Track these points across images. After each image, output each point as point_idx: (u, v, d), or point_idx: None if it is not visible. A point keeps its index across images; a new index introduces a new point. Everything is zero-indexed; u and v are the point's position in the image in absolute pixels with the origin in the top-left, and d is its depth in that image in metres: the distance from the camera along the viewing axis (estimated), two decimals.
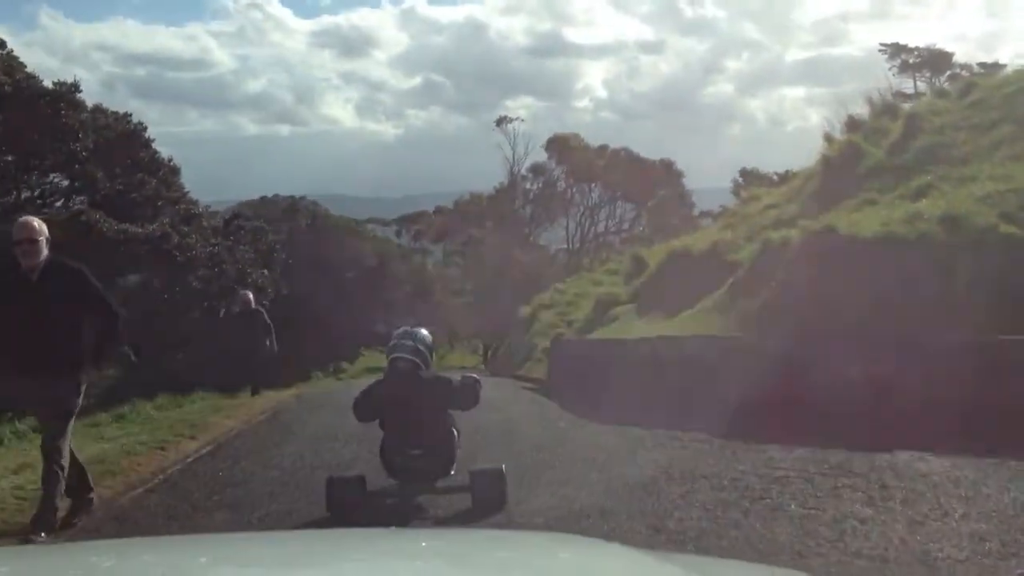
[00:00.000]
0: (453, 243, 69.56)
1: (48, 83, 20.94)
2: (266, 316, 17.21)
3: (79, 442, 9.66)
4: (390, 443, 7.03)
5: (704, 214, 61.12)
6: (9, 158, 20.20)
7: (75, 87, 20.98)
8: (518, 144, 58.59)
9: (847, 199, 14.07)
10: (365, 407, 7.23)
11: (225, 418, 11.88)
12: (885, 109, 18.08)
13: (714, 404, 9.82)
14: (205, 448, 9.73)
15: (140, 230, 18.50)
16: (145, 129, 24.54)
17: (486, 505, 6.58)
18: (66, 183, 21.01)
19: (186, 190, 25.61)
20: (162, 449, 9.34)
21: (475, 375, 7.86)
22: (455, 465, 7.04)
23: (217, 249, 20.04)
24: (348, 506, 6.53)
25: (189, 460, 9.06)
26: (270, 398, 15.87)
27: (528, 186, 62.78)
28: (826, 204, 14.33)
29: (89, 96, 21.37)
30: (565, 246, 70.07)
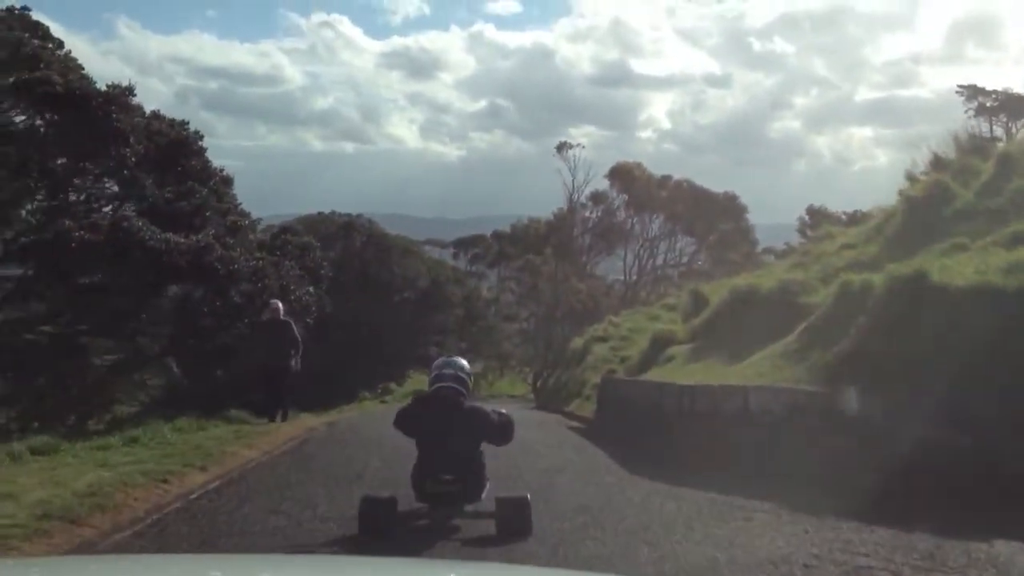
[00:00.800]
0: (509, 268, 68.77)
1: (102, 86, 20.53)
2: (296, 330, 15.91)
3: (80, 466, 8.86)
4: (424, 467, 7.24)
5: (767, 251, 59.49)
6: (60, 161, 19.75)
7: (129, 90, 20.51)
8: (578, 171, 57.66)
9: (933, 243, 12.80)
10: (409, 425, 7.52)
11: (245, 447, 10.98)
12: (974, 148, 16.74)
13: (782, 468, 8.65)
14: (213, 483, 8.81)
15: (183, 240, 17.78)
16: (201, 137, 24.05)
17: (510, 532, 6.77)
18: (116, 189, 20.49)
19: (238, 202, 25.07)
20: (165, 482, 8.44)
21: (505, 410, 8.05)
22: (484, 492, 7.27)
23: (261, 263, 19.25)
24: (379, 525, 6.76)
25: (192, 497, 8.14)
26: (300, 425, 14.97)
27: (587, 214, 61.74)
28: (910, 247, 13.06)
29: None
30: (622, 277, 68.87)
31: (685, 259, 61.56)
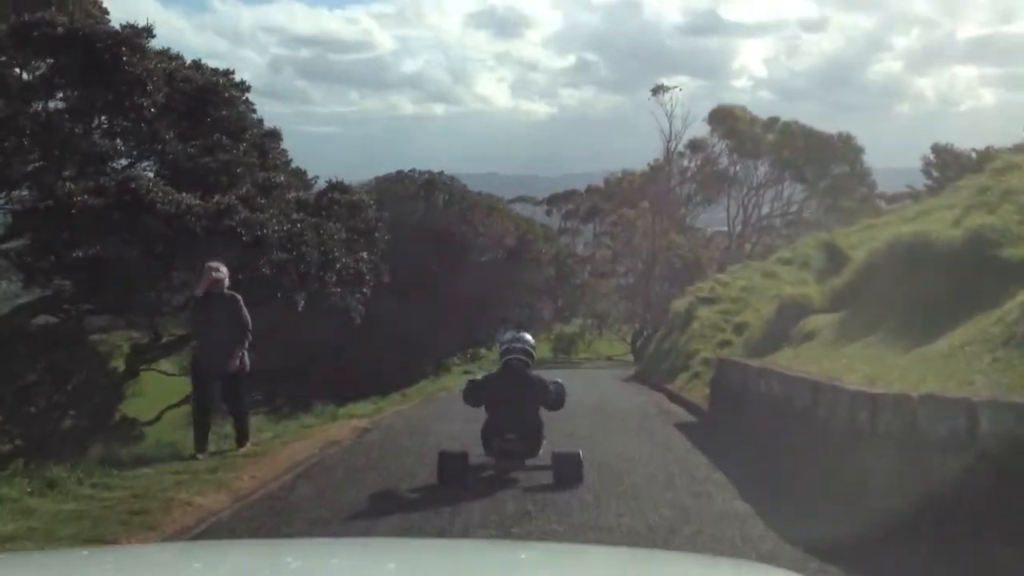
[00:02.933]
0: (603, 223, 64.72)
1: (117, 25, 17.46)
2: (244, 311, 10.03)
3: None
4: (492, 427, 8.43)
5: (886, 197, 53.78)
6: (64, 114, 16.76)
7: (146, 31, 17.30)
8: (675, 117, 52.77)
9: None
10: (475, 396, 8.81)
11: (214, 488, 7.58)
12: None
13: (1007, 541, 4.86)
14: None
15: (197, 202, 14.59)
16: (238, 85, 20.86)
17: (565, 482, 7.75)
18: (132, 144, 17.46)
19: (287, 158, 21.93)
20: None
21: (560, 380, 9.00)
22: (542, 449, 8.37)
23: (300, 227, 15.95)
24: (453, 475, 7.86)
25: None
26: (324, 433, 11.45)
27: (686, 163, 57.05)
28: None
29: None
30: (723, 229, 64.16)
31: (794, 207, 56.33)
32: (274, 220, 15.57)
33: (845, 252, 15.12)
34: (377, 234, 18.91)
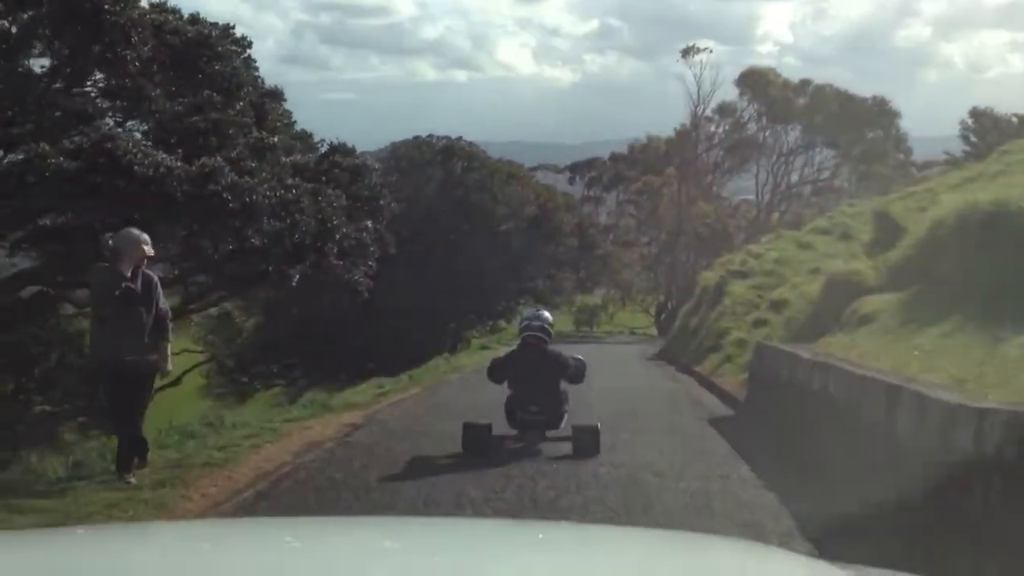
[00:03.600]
0: (627, 192, 62.89)
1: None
2: (160, 295, 7.73)
3: None
4: (516, 400, 8.86)
5: (919, 165, 51.58)
6: (42, 67, 15.34)
7: None
8: (704, 80, 50.57)
9: None
10: (499, 373, 9.27)
11: (153, 511, 6.14)
12: None
13: None
14: None
15: (179, 165, 13.14)
16: (236, 39, 19.40)
17: (583, 453, 8.13)
18: (117, 102, 16.02)
19: (291, 119, 20.50)
20: None
21: (580, 356, 9.51)
22: (563, 421, 8.76)
23: (295, 194, 14.47)
24: (478, 446, 8.24)
25: None
26: (306, 431, 9.91)
27: (713, 128, 54.98)
28: None
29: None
30: (750, 197, 62.19)
31: (825, 174, 54.19)
32: (265, 185, 14.09)
33: (899, 222, 13.45)
34: (382, 201, 17.39)
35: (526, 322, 9.51)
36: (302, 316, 37.92)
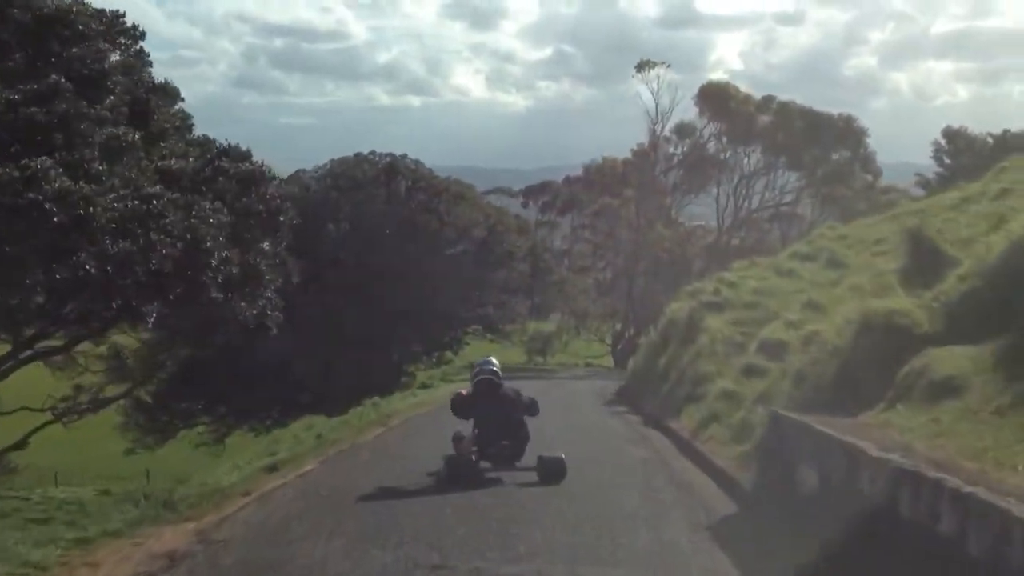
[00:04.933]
0: (582, 215, 59.81)
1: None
2: None
3: None
4: (486, 438, 9.73)
5: (888, 188, 48.95)
6: None
7: None
8: (661, 98, 47.56)
9: None
10: (462, 410, 10.21)
11: None
12: None
13: None
14: None
15: None
16: (124, 25, 16.15)
17: (548, 481, 8.97)
18: None
19: (187, 123, 17.03)
20: None
21: (533, 396, 10.54)
22: (528, 452, 9.70)
23: (156, 206, 10.92)
24: (459, 477, 9.00)
25: None
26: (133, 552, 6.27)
27: (671, 150, 52.11)
28: None
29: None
30: (704, 223, 59.54)
31: (788, 197, 51.46)
32: (113, 195, 10.59)
33: (940, 247, 10.28)
34: (282, 218, 13.76)
35: (477, 368, 10.55)
36: (229, 346, 34.04)
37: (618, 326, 53.29)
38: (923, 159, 50.14)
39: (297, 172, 41.15)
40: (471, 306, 42.29)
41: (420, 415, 18.17)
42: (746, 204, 52.58)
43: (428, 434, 14.06)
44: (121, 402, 39.13)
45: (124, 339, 23.29)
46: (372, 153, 40.94)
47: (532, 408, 10.20)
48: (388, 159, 40.75)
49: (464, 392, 10.49)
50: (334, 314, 39.24)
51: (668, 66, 46.88)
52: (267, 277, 13.08)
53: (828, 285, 17.12)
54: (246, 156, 13.59)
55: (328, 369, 37.73)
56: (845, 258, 19.92)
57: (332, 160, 41.10)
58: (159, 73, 16.71)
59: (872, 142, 49.40)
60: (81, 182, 10.21)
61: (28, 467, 48.88)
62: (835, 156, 47.84)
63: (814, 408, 8.56)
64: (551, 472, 9.07)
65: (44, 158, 10.14)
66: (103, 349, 22.83)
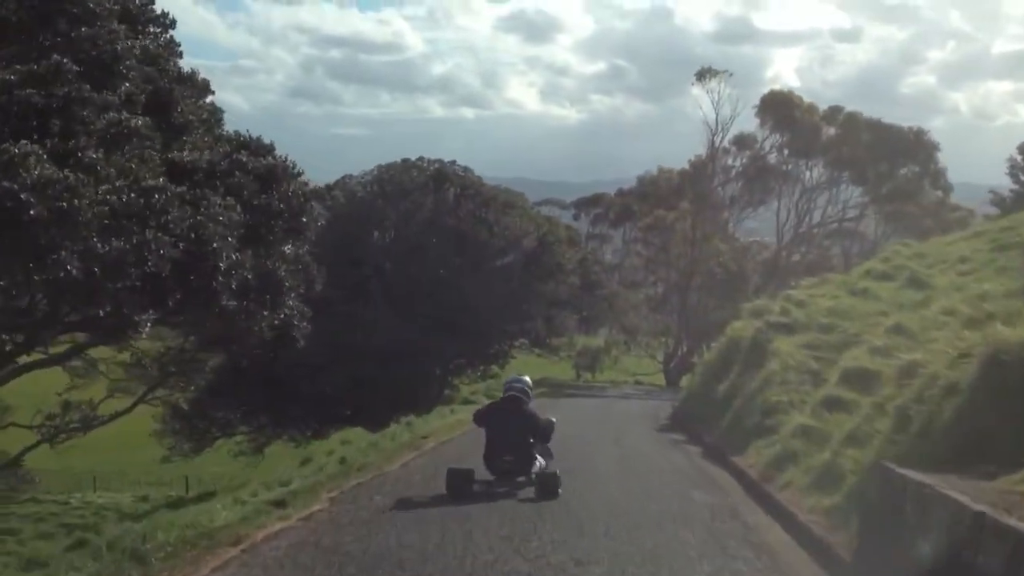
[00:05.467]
0: (635, 228, 57.95)
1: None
2: None
3: None
4: (492, 450, 10.07)
5: (955, 207, 46.28)
6: None
7: None
8: (722, 108, 45.51)
9: None
10: (481, 420, 10.54)
11: None
12: None
13: None
14: None
15: None
16: (154, 12, 15.07)
17: (545, 496, 9.22)
18: None
19: (218, 117, 15.91)
20: None
21: (554, 419, 10.87)
22: (533, 469, 9.92)
23: (157, 201, 9.55)
24: (461, 488, 9.42)
25: None
26: None
27: (730, 161, 50.08)
28: None
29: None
30: (762, 239, 57.41)
31: (851, 213, 49.08)
32: (106, 186, 9.25)
33: None
34: (305, 218, 12.31)
35: (508, 384, 10.90)
36: (266, 355, 32.74)
37: (670, 343, 51.29)
38: (984, 179, 47.93)
39: (343, 178, 39.94)
40: (518, 319, 40.70)
41: (458, 437, 16.61)
42: (807, 220, 50.33)
43: (465, 461, 12.56)
44: (159, 408, 38.32)
45: (149, 344, 22.05)
46: (420, 159, 39.62)
47: (546, 433, 10.42)
48: (437, 165, 39.42)
49: (485, 405, 11.20)
50: (376, 325, 37.95)
51: (730, 75, 44.90)
52: (288, 284, 11.63)
53: (913, 308, 15.31)
54: (268, 150, 12.19)
55: (369, 381, 36.36)
56: (928, 278, 18.03)
57: (379, 166, 39.84)
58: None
59: (942, 157, 47.00)
60: (67, 171, 8.87)
61: (64, 471, 48.27)
62: (903, 171, 45.39)
63: (927, 460, 6.86)
64: (547, 488, 9.36)
65: (24, 142, 8.83)
66: (127, 355, 21.62)
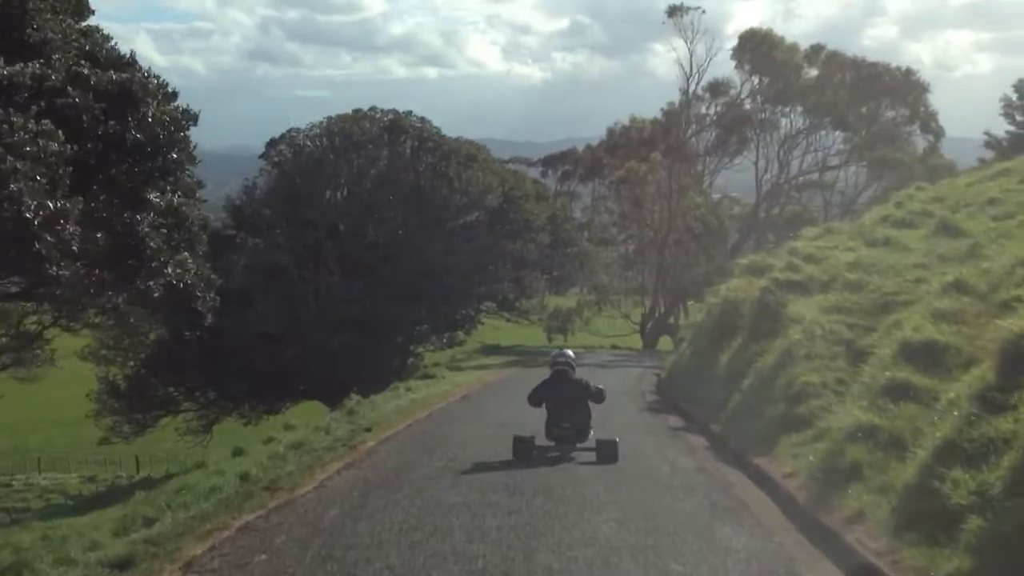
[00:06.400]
0: (605, 183, 54.73)
1: None
2: None
3: None
4: (551, 419, 10.71)
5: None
6: None
7: None
8: (697, 44, 42.02)
9: None
10: (537, 399, 11.01)
11: None
12: None
13: None
14: None
15: None
16: None
17: (604, 460, 9.83)
18: None
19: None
20: None
21: (602, 386, 11.30)
22: (589, 435, 10.55)
23: None
24: (525, 453, 10.03)
25: None
26: None
27: (704, 110, 46.87)
28: None
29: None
30: (735, 194, 54.52)
31: (834, 161, 46.05)
32: None
33: None
34: (177, 155, 8.96)
35: (554, 359, 11.48)
36: (207, 328, 29.32)
37: (646, 303, 48.39)
38: (954, 130, 45.80)
39: (289, 131, 36.26)
40: (485, 281, 37.55)
41: (411, 429, 13.47)
42: (786, 171, 47.39)
43: (407, 470, 9.50)
44: (93, 388, 34.91)
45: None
46: (373, 109, 36.05)
47: (598, 396, 10.95)
48: (391, 116, 35.90)
49: (537, 385, 11.23)
50: (331, 291, 34.66)
51: (703, 12, 41.59)
52: (152, 245, 8.34)
53: (959, 259, 12.34)
54: (124, 63, 8.80)
55: (325, 352, 33.14)
56: (961, 223, 15.06)
57: (328, 118, 36.22)
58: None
59: (933, 100, 43.93)
60: None
61: (15, 451, 44.57)
62: (890, 113, 42.45)
63: None
64: (607, 454, 9.89)
65: None
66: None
